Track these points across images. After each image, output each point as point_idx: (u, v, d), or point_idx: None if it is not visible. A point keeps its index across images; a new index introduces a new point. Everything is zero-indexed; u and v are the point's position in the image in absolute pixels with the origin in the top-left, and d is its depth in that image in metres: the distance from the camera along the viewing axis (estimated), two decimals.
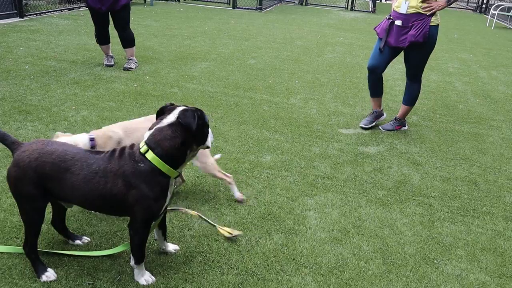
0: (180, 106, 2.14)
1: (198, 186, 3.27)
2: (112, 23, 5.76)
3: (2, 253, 2.44)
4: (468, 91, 6.28)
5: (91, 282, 2.28)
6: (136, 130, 2.75)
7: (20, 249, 2.44)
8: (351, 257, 2.68)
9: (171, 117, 2.07)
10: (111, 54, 6.08)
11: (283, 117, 4.73)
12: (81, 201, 2.15)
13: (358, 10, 13.64)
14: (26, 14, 8.53)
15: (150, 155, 2.05)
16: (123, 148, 2.15)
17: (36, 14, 8.80)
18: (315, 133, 4.39)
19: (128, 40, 5.90)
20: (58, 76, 5.42)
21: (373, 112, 4.71)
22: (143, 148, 2.08)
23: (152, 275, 2.36)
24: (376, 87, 4.57)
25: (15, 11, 8.34)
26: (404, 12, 4.12)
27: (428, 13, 4.05)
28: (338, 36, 9.46)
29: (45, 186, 2.10)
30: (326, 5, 14.04)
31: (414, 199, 3.38)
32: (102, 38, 5.88)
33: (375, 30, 4.47)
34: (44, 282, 2.25)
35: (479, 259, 2.78)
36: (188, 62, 6.53)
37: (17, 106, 4.44)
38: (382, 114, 4.80)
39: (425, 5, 4.03)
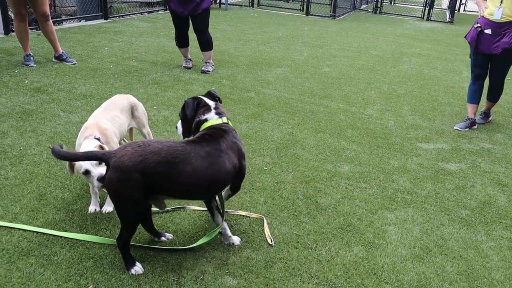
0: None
1: (276, 192, 3.29)
2: (192, 27, 5.94)
3: (94, 242, 2.57)
4: None
5: (176, 279, 2.36)
6: (114, 118, 2.98)
7: (109, 240, 2.57)
8: (434, 277, 2.58)
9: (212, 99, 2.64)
10: (189, 56, 6.27)
11: (360, 128, 4.66)
12: (194, 190, 2.28)
13: (434, 20, 13.18)
14: (110, 16, 9.00)
15: (230, 123, 2.56)
16: (211, 129, 2.44)
17: (119, 16, 9.26)
18: (393, 146, 4.29)
19: (206, 44, 6.06)
20: (140, 76, 5.66)
21: (468, 119, 4.91)
22: (225, 119, 2.54)
23: (234, 278, 2.40)
24: (477, 94, 4.89)
25: (101, 13, 8.82)
26: (499, 19, 4.38)
27: None
28: (414, 46, 9.19)
29: (152, 185, 2.18)
30: (401, 14, 13.68)
31: (500, 222, 3.21)
32: (182, 41, 6.08)
33: (466, 39, 4.77)
34: (132, 274, 2.35)
35: None
36: (263, 67, 6.61)
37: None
38: (475, 124, 4.96)
39: None
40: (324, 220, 3.01)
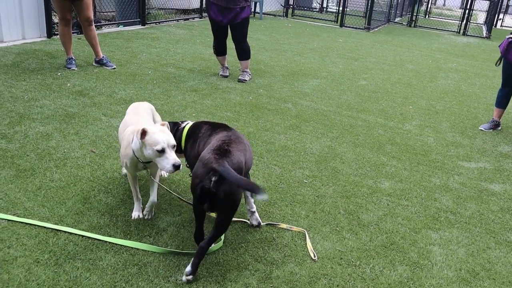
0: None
1: (318, 206, 3.25)
2: (230, 35, 5.98)
3: (137, 249, 2.58)
4: None
5: None
6: (148, 120, 3.09)
7: (154, 248, 2.58)
8: None
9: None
10: (226, 65, 6.30)
11: (399, 143, 4.58)
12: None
13: (471, 35, 12.95)
14: (147, 22, 9.15)
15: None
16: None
17: (155, 22, 9.41)
18: (434, 163, 4.20)
19: (244, 53, 6.08)
20: (178, 83, 5.72)
21: (494, 121, 5.31)
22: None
23: None
24: (504, 99, 5.24)
25: (139, 19, 8.98)
26: None
27: None
28: (450, 61, 9.04)
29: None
30: (436, 28, 13.50)
31: None
32: (220, 50, 6.12)
33: (499, 48, 5.09)
34: (178, 284, 2.35)
35: None
36: (299, 78, 6.59)
37: None
38: (499, 125, 5.37)
39: None
40: (367, 237, 2.96)
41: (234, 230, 2.86)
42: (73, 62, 5.83)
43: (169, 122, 2.89)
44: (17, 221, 2.70)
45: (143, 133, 2.49)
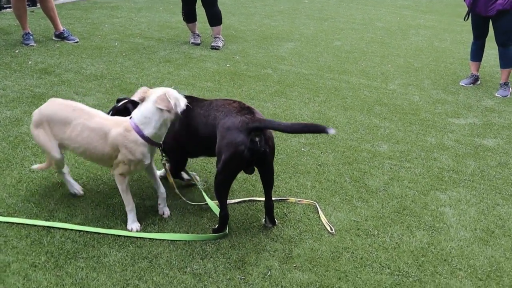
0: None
1: (322, 175, 3.11)
2: (200, 1, 5.63)
3: (144, 239, 2.37)
4: None
5: (243, 277, 2.18)
6: None
7: (160, 235, 2.38)
8: (504, 261, 2.45)
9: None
10: (197, 32, 5.96)
11: (387, 104, 4.48)
12: None
13: None
14: None
15: None
16: None
17: None
18: (425, 122, 4.13)
19: (216, 18, 5.76)
20: (149, 54, 5.36)
21: (473, 75, 5.29)
22: None
23: (303, 272, 2.23)
24: (478, 52, 5.19)
25: None
26: None
27: None
28: (418, 18, 8.98)
29: None
30: None
31: None
32: (190, 16, 5.76)
33: (465, 2, 4.92)
34: (197, 273, 2.16)
35: None
36: (273, 42, 6.34)
37: (117, 84, 4.41)
38: (478, 79, 5.31)
39: None
40: (378, 204, 2.86)
41: (243, 209, 2.68)
42: (31, 37, 5.34)
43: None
44: (2, 222, 2.41)
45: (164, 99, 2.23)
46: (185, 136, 2.51)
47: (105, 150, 2.31)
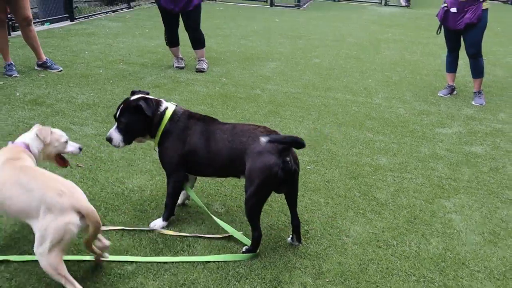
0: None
1: (332, 191, 3.22)
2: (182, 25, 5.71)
3: (173, 266, 2.40)
4: None
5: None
6: None
7: (202, 258, 2.41)
8: None
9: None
10: (181, 56, 6.03)
11: (376, 118, 4.67)
12: None
13: (392, 5, 13.51)
14: (76, 17, 8.50)
15: None
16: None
17: (84, 17, 8.76)
18: (415, 133, 4.34)
19: (199, 41, 5.86)
20: (136, 80, 5.38)
21: (449, 86, 5.58)
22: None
23: (336, 286, 2.32)
24: (453, 64, 5.48)
25: (66, 15, 8.30)
26: None
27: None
28: (385, 32, 9.36)
29: None
30: (359, 1, 13.91)
31: None
32: (173, 40, 5.83)
33: (437, 18, 5.23)
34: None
35: None
36: (255, 62, 6.48)
37: (112, 111, 4.36)
38: (455, 89, 5.62)
39: None
40: (390, 215, 2.99)
41: (266, 230, 2.75)
42: (14, 68, 5.26)
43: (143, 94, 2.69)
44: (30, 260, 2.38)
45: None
46: (203, 157, 2.55)
47: None
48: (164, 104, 2.65)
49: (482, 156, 3.96)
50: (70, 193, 2.08)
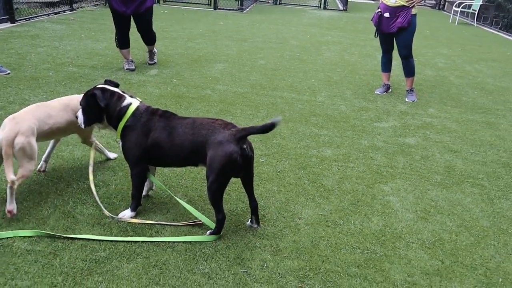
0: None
1: (283, 180, 3.54)
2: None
3: (148, 252, 2.60)
4: (464, 84, 6.88)
5: (245, 270, 2.51)
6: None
7: (173, 238, 2.62)
8: (442, 232, 3.05)
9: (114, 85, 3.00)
10: (131, 58, 6.15)
11: (320, 114, 5.06)
12: None
13: (330, 9, 14.19)
14: (17, 19, 8.33)
15: None
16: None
17: (25, 19, 8.60)
18: (356, 128, 4.76)
19: (152, 39, 6.20)
20: (88, 82, 5.45)
21: (385, 84, 6.09)
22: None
23: (293, 260, 2.62)
24: (388, 64, 5.99)
25: (6, 16, 8.13)
26: (394, 2, 5.38)
27: (410, 5, 5.36)
28: (325, 35, 9.89)
29: None
30: (300, 5, 14.49)
31: (467, 181, 3.81)
32: (124, 42, 5.95)
33: (372, 22, 5.71)
34: (205, 273, 2.45)
35: None
36: (203, 64, 6.71)
37: None
38: (390, 87, 6.16)
39: None
40: (336, 199, 3.34)
41: (227, 215, 3.01)
42: None
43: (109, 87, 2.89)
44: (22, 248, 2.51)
45: None
46: (166, 150, 2.75)
47: None
48: (128, 99, 2.84)
49: (414, 146, 4.43)
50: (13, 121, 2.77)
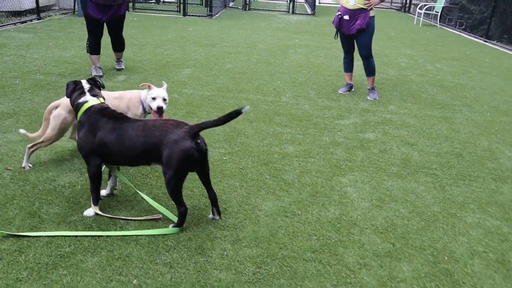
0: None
1: (246, 176, 3.68)
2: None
3: (112, 245, 2.71)
4: (424, 82, 7.16)
5: (206, 259, 2.64)
6: None
7: (135, 232, 2.73)
8: (395, 218, 3.24)
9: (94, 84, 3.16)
10: (99, 65, 6.23)
11: (284, 114, 5.23)
12: None
13: (299, 13, 14.47)
14: None
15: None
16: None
17: None
18: (318, 125, 4.94)
19: (122, 45, 6.42)
20: (55, 89, 5.51)
21: (348, 84, 6.34)
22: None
23: (251, 248, 2.76)
24: (349, 65, 6.23)
25: None
26: (353, 5, 5.61)
27: (368, 8, 5.59)
28: (293, 38, 10.12)
29: None
30: (268, 10, 14.73)
31: (421, 171, 4.02)
32: (96, 48, 6.07)
33: (333, 24, 5.94)
34: (167, 263, 2.57)
35: (487, 210, 3.45)
36: (171, 69, 6.82)
37: (35, 119, 4.54)
38: (353, 87, 6.40)
39: (366, 1, 5.58)
40: (296, 192, 3.50)
41: (189, 210, 3.13)
42: None
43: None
44: None
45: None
46: (116, 151, 2.83)
47: None
48: (86, 97, 2.95)
49: (373, 141, 4.64)
50: None
